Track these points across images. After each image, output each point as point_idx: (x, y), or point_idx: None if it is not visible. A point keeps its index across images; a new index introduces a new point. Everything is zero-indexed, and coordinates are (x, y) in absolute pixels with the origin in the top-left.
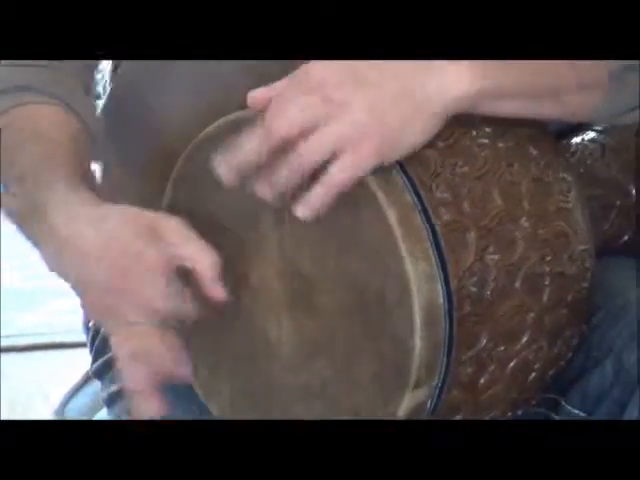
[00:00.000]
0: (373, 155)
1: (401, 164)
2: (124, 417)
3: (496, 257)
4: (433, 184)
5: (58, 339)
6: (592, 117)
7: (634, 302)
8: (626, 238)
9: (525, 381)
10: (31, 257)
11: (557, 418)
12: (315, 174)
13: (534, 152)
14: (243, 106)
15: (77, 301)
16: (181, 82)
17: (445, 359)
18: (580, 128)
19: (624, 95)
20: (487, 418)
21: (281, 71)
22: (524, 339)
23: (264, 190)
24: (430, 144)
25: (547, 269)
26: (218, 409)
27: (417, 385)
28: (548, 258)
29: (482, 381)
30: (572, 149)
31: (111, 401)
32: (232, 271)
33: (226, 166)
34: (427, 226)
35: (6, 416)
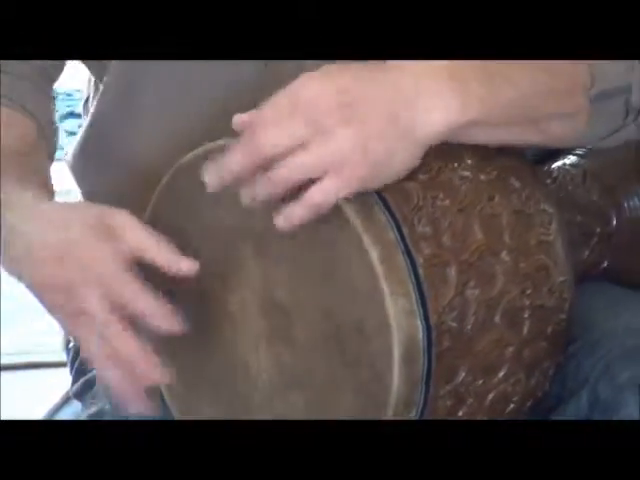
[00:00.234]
0: (354, 181)
1: (384, 199)
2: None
3: (476, 292)
4: (415, 218)
5: (37, 359)
6: (575, 142)
7: (610, 333)
8: (606, 264)
9: (503, 413)
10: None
11: None
12: (301, 187)
13: (516, 184)
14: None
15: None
16: (155, 113)
17: (423, 394)
18: (561, 152)
19: (605, 119)
20: None
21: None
22: (502, 372)
23: (248, 199)
24: (412, 177)
25: (527, 302)
26: None
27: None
28: (528, 291)
29: (460, 414)
30: (554, 174)
31: None
32: (212, 297)
33: (212, 173)
34: (408, 262)
35: None
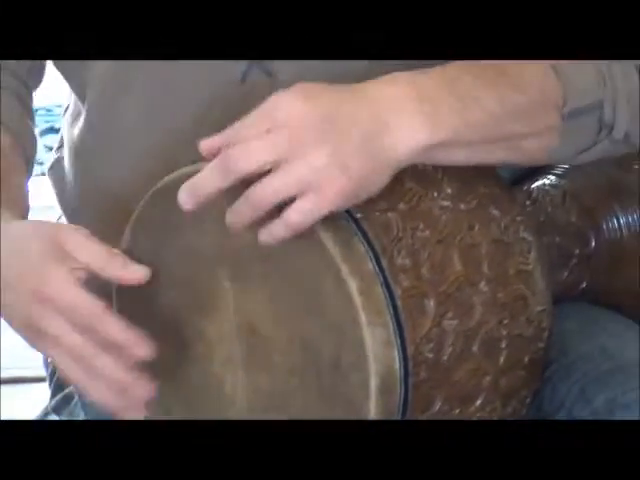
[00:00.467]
0: (332, 200)
1: (363, 229)
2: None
3: (454, 322)
4: (394, 250)
5: (17, 373)
6: (548, 160)
7: (585, 356)
8: (584, 285)
9: None
10: None
11: None
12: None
13: (495, 212)
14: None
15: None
16: (134, 134)
17: None
18: (539, 172)
19: (579, 136)
20: None
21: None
22: (479, 401)
23: (231, 222)
24: (392, 206)
25: (505, 332)
26: None
27: None
28: (506, 322)
29: None
30: (533, 195)
31: None
32: (188, 321)
33: (186, 193)
34: (387, 293)
35: None
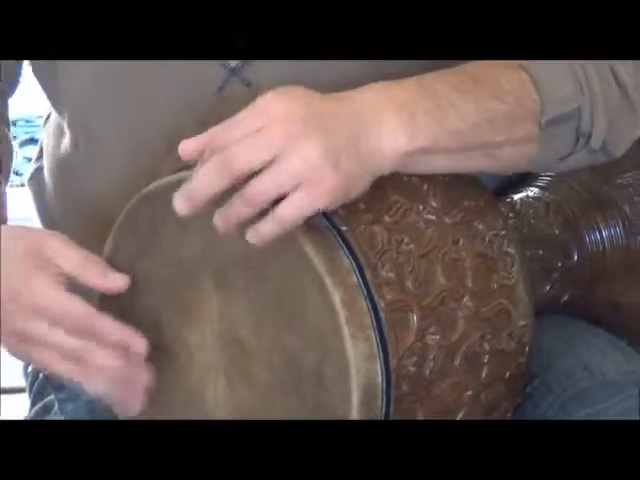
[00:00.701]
0: (323, 197)
1: (348, 242)
2: None
3: (437, 337)
4: (379, 263)
5: None
6: (527, 168)
7: (566, 372)
8: (566, 298)
9: None
10: None
11: None
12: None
13: (479, 227)
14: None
15: None
16: (114, 145)
17: None
18: (522, 182)
19: (557, 145)
20: None
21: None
22: (460, 415)
23: (222, 224)
24: (377, 219)
25: (487, 347)
26: None
27: None
28: (488, 337)
29: None
30: (516, 207)
31: None
32: (171, 328)
33: (182, 198)
34: (370, 307)
35: None
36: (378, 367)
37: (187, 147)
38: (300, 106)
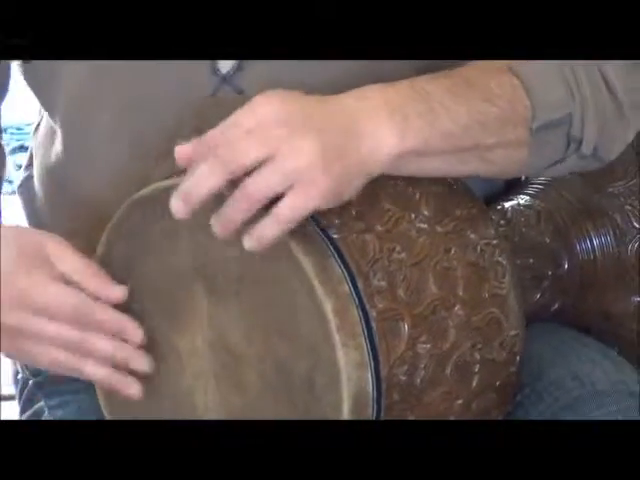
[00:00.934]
0: (317, 197)
1: (339, 250)
2: None
3: (428, 346)
4: (370, 272)
5: None
6: (517, 173)
7: (557, 381)
8: (556, 306)
9: None
10: None
11: None
12: (266, 208)
13: (471, 236)
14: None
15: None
16: (105, 149)
17: None
18: (513, 191)
19: (547, 150)
20: None
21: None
22: None
23: (217, 227)
24: (369, 227)
25: (477, 357)
26: None
27: None
28: (479, 346)
29: None
30: (507, 215)
31: None
32: (162, 334)
33: (179, 200)
34: (361, 315)
35: None
36: (369, 375)
37: (182, 151)
38: (293, 106)
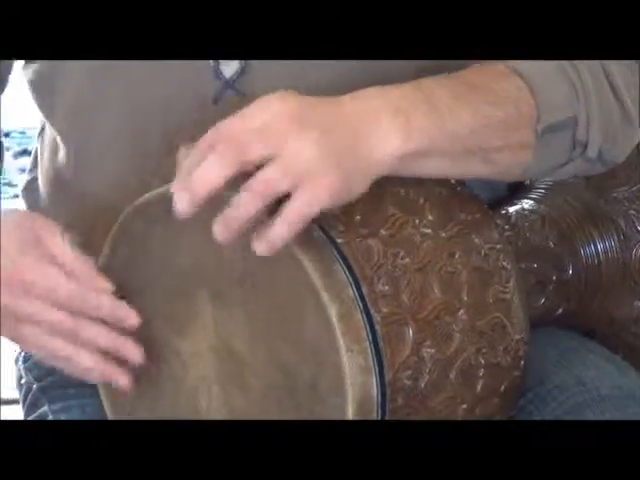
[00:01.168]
0: (325, 196)
1: (344, 255)
2: None
3: (432, 351)
4: (375, 277)
5: None
6: (523, 176)
7: (561, 386)
8: (560, 311)
9: None
10: None
11: None
12: (271, 212)
13: (476, 240)
14: None
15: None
16: (108, 152)
17: None
18: (517, 195)
19: (553, 153)
20: None
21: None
22: None
23: (219, 229)
24: (374, 232)
25: (482, 361)
26: None
27: None
28: (484, 350)
29: None
30: (512, 220)
31: None
32: (166, 336)
33: (182, 191)
34: (366, 320)
35: None
36: (373, 380)
37: (185, 154)
38: (300, 105)
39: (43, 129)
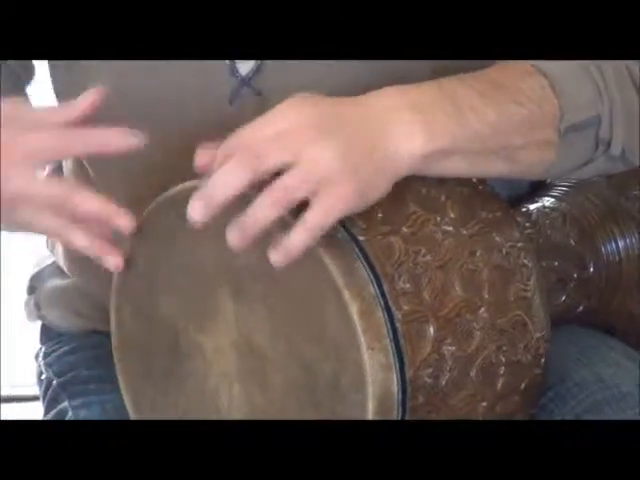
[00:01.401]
0: (344, 202)
1: (365, 252)
2: None
3: (453, 348)
4: (396, 274)
5: (11, 392)
6: (544, 174)
7: (581, 383)
8: (581, 308)
9: None
10: None
11: None
12: (284, 223)
13: (497, 238)
14: None
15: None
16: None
17: None
18: (537, 193)
19: (575, 152)
20: None
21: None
22: None
23: (234, 234)
24: (395, 229)
25: (503, 359)
26: None
27: None
28: (504, 348)
29: None
30: (533, 217)
31: None
32: (188, 332)
33: (198, 200)
34: (387, 317)
35: None
36: (394, 377)
37: (203, 157)
38: (318, 110)
39: None
